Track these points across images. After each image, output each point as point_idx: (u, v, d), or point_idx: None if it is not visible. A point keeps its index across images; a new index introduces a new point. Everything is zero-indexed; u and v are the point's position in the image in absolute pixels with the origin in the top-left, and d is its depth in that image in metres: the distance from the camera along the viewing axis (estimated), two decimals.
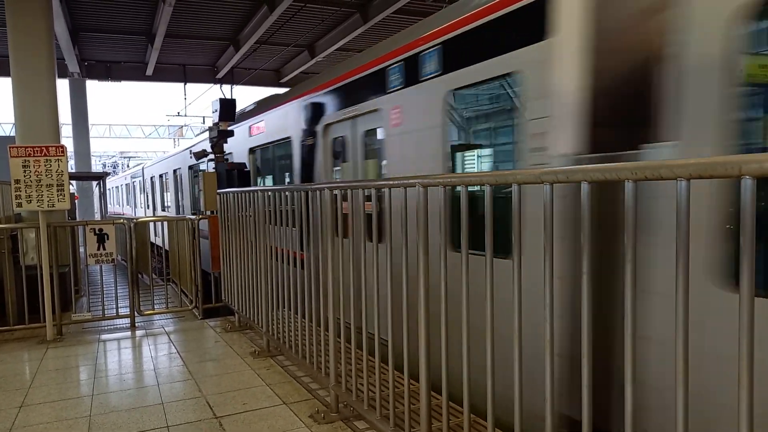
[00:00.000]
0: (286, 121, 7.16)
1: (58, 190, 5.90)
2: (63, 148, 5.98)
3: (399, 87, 4.72)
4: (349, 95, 5.62)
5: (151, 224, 11.02)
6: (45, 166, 5.84)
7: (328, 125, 6.15)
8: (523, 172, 2.05)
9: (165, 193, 16.20)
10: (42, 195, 5.85)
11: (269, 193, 4.59)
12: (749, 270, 1.33)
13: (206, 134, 9.64)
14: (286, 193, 4.24)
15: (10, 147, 5.80)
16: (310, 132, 6.44)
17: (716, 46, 2.33)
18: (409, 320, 2.84)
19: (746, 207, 1.33)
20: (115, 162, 51.67)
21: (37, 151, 5.83)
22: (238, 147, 9.02)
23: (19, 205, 5.83)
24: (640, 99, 2.88)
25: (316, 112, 6.34)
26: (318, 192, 3.64)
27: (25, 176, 5.78)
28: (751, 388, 1.34)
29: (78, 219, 13.86)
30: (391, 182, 2.90)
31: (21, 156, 5.77)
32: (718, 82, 2.36)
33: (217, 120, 7.70)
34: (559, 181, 1.86)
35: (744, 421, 1.34)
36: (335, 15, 14.89)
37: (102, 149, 49.62)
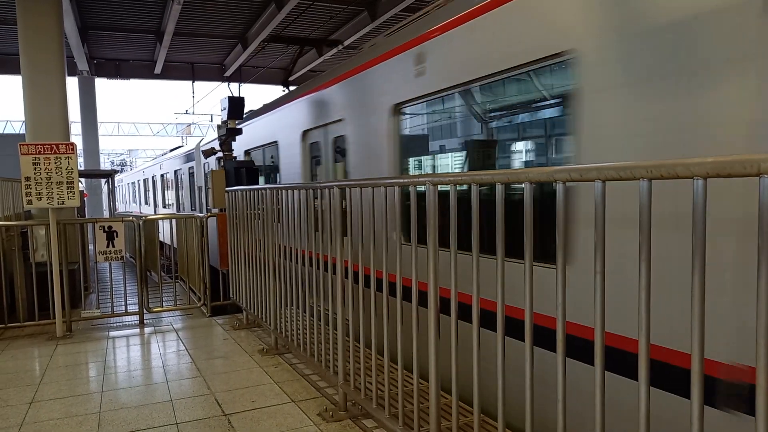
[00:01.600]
0: None
1: (68, 188, 5.92)
2: (73, 146, 6.00)
3: None
4: None
5: (159, 222, 11.05)
6: (55, 163, 5.87)
7: None
8: (535, 170, 2.03)
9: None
10: (52, 192, 5.87)
11: (278, 190, 4.59)
12: None
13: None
14: (294, 191, 4.24)
15: (20, 144, 5.83)
16: None
17: None
18: (419, 319, 2.83)
19: (765, 206, 1.31)
20: (123, 159, 51.98)
21: (47, 148, 5.86)
22: None
23: (30, 202, 5.86)
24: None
25: None
26: (328, 190, 3.63)
27: (35, 174, 5.82)
28: None
29: (87, 216, 13.94)
30: (400, 180, 2.89)
31: (31, 153, 5.80)
32: None
33: (225, 118, 7.70)
34: (573, 179, 1.84)
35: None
36: (343, 13, 14.88)
37: (110, 147, 49.95)
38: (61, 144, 5.95)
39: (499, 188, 2.19)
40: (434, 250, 2.63)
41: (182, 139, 42.27)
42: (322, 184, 3.68)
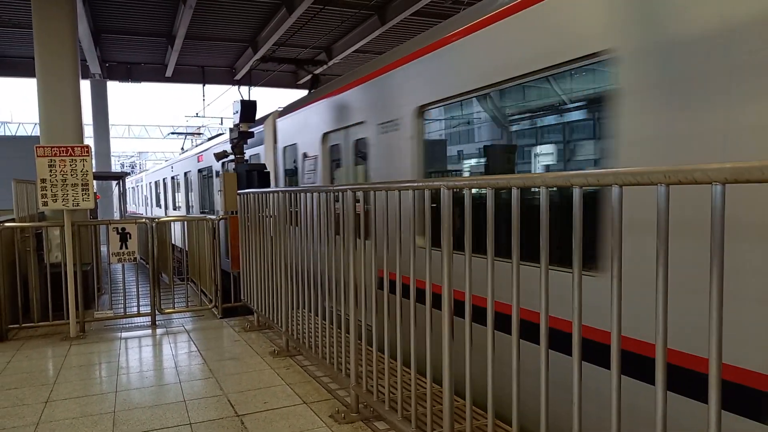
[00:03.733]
0: None
1: (82, 190, 6.00)
2: (88, 149, 6.08)
3: None
4: None
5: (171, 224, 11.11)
6: (70, 165, 5.94)
7: None
8: (551, 175, 2.04)
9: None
10: (67, 194, 5.95)
11: (290, 193, 4.62)
12: None
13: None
14: (307, 194, 4.27)
15: (36, 147, 5.91)
16: None
17: None
18: (433, 322, 2.85)
19: None
20: (134, 162, 52.34)
21: (62, 151, 5.94)
22: None
23: (45, 203, 5.94)
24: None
25: None
26: (341, 193, 3.66)
27: (51, 176, 5.89)
28: None
29: (99, 218, 14.05)
30: (415, 184, 2.91)
31: (47, 156, 5.88)
32: None
33: (238, 121, 7.75)
34: (590, 184, 1.86)
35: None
36: (353, 17, 14.94)
37: (121, 149, 50.32)
38: (77, 146, 6.03)
39: (515, 192, 2.21)
40: (449, 253, 2.65)
41: (191, 143, 42.51)
42: (337, 187, 3.71)
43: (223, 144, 10.55)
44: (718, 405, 1.49)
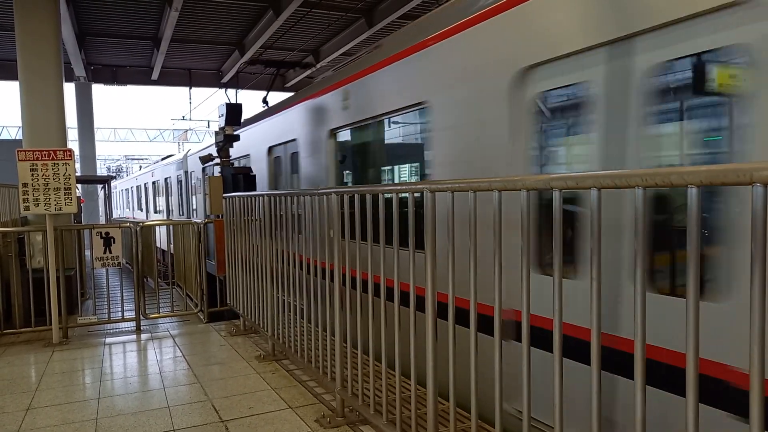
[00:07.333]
0: None
1: (65, 194, 5.93)
2: (70, 152, 6.01)
3: None
4: None
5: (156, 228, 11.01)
6: (53, 169, 5.87)
7: None
8: (531, 177, 2.05)
9: None
10: (49, 198, 5.88)
11: (275, 197, 4.60)
12: (761, 274, 1.33)
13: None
14: (292, 197, 4.26)
15: (18, 150, 5.83)
16: None
17: None
18: (417, 326, 2.85)
19: (757, 214, 1.33)
20: (120, 165, 51.89)
21: (45, 154, 5.86)
22: None
23: (27, 208, 5.86)
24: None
25: None
26: (325, 197, 3.65)
27: (33, 180, 5.82)
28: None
29: (83, 222, 13.92)
30: (398, 187, 2.91)
31: (29, 159, 5.81)
32: None
33: (223, 124, 7.71)
34: (569, 187, 1.87)
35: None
36: (340, 20, 14.95)
37: (107, 153, 49.80)
38: (59, 150, 5.96)
39: (495, 195, 2.22)
40: (432, 255, 2.65)
41: (178, 146, 42.28)
42: (319, 191, 3.70)
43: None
44: (695, 401, 1.50)
